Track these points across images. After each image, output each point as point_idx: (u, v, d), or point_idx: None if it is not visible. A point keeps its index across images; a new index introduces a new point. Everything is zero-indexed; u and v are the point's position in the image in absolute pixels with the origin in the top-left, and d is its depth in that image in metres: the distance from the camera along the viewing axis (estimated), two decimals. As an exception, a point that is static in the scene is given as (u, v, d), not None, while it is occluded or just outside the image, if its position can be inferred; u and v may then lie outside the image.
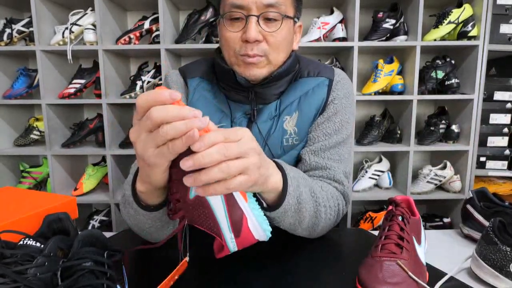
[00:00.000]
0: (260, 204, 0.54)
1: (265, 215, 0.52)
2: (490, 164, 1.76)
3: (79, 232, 0.55)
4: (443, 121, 1.77)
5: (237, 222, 0.48)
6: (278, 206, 0.55)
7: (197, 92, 0.79)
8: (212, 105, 0.78)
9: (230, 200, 0.47)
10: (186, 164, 0.40)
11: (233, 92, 0.76)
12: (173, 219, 0.50)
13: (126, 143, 1.73)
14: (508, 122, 1.74)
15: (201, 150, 0.39)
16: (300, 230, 0.64)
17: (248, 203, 0.49)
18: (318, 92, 0.77)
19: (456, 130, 1.77)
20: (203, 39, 1.73)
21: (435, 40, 1.65)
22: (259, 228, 0.49)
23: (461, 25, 1.65)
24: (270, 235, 0.51)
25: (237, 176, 0.43)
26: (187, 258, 0.54)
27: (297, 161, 0.78)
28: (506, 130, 1.74)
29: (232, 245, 0.49)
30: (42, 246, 0.49)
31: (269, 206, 0.56)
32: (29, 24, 1.69)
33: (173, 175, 0.46)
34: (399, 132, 1.80)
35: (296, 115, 0.77)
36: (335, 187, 0.72)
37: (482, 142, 1.74)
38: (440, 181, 1.75)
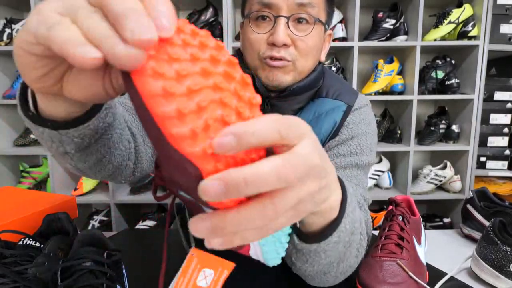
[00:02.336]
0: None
1: (294, 247, 0.39)
2: (490, 164, 1.76)
3: (79, 232, 0.55)
4: (443, 121, 1.77)
5: None
6: (325, 236, 0.38)
7: None
8: None
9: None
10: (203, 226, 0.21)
11: None
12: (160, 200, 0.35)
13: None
14: (508, 122, 1.74)
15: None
16: (332, 275, 0.46)
17: None
18: (331, 116, 0.67)
19: (456, 130, 1.77)
20: (203, 39, 1.73)
21: (435, 40, 1.65)
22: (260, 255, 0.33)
23: (461, 25, 1.65)
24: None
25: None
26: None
27: None
28: (506, 130, 1.74)
29: None
30: (42, 246, 0.49)
31: (307, 236, 0.39)
32: (29, 24, 1.69)
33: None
34: (399, 132, 1.80)
35: None
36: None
37: (482, 142, 1.74)
38: (440, 181, 1.75)
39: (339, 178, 0.37)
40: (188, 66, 0.20)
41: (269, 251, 0.33)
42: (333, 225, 0.37)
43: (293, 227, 0.39)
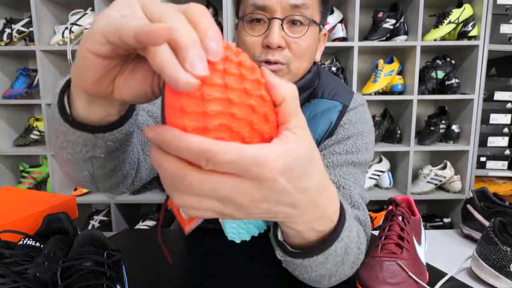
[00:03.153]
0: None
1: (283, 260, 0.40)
2: (490, 164, 1.76)
3: (79, 232, 0.55)
4: (443, 121, 1.77)
5: None
6: (310, 254, 0.37)
7: None
8: None
9: None
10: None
11: None
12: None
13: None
14: (508, 122, 1.74)
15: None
16: (326, 283, 0.46)
17: None
18: (326, 116, 0.67)
19: (456, 130, 1.77)
20: (203, 39, 1.73)
21: (435, 40, 1.65)
22: None
23: (461, 25, 1.65)
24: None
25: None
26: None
27: None
28: (506, 130, 1.74)
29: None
30: (42, 246, 0.49)
31: (292, 248, 0.39)
32: (29, 24, 1.69)
33: None
34: (399, 132, 1.80)
35: None
36: (355, 216, 0.56)
37: (482, 142, 1.74)
38: (440, 181, 1.75)
39: (340, 202, 0.38)
40: (215, 92, 0.23)
41: (225, 225, 0.39)
42: (323, 246, 0.37)
43: (275, 239, 0.40)
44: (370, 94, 1.69)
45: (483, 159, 1.75)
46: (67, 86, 0.35)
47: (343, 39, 1.69)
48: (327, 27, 1.68)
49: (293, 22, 0.59)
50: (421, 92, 1.69)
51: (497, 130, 1.74)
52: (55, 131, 0.39)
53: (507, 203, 0.77)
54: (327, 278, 0.44)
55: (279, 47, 0.59)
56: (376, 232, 0.76)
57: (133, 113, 0.39)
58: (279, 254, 0.40)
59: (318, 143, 0.68)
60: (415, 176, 1.81)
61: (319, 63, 0.71)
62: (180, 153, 0.23)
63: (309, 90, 0.68)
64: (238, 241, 0.42)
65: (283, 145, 0.25)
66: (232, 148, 0.23)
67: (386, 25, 1.67)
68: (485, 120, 1.73)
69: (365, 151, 0.65)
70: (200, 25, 0.23)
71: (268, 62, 0.60)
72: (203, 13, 0.24)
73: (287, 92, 0.26)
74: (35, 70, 1.73)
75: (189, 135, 0.22)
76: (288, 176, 0.25)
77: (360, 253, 0.48)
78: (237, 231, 0.41)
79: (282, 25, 0.58)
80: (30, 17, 1.63)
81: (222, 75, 0.23)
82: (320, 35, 0.67)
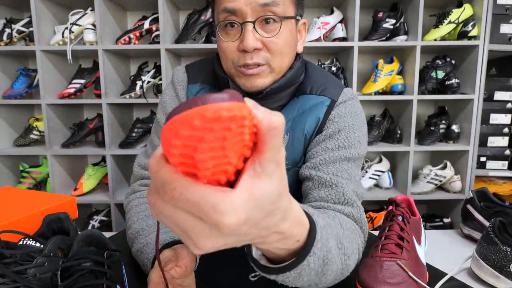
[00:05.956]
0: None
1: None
2: (490, 164, 1.76)
3: (79, 232, 0.55)
4: (443, 121, 1.77)
5: None
6: (282, 270, 0.37)
7: None
8: None
9: None
10: None
11: None
12: None
13: (126, 143, 1.73)
14: (509, 122, 1.74)
15: None
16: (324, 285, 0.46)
17: None
18: (314, 112, 0.67)
19: (456, 130, 1.77)
20: (203, 39, 1.73)
21: (435, 40, 1.65)
22: None
23: (461, 25, 1.65)
24: None
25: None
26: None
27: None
28: (506, 130, 1.74)
29: None
30: (42, 246, 0.49)
31: (269, 262, 0.38)
32: (29, 24, 1.69)
33: None
34: (399, 132, 1.80)
35: (287, 137, 0.68)
36: (348, 214, 0.56)
37: (482, 142, 1.74)
38: (440, 181, 1.75)
39: (309, 217, 0.36)
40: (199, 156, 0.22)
41: None
42: (294, 262, 0.36)
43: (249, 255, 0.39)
44: (370, 94, 1.69)
45: (483, 159, 1.75)
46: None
47: (343, 39, 1.69)
48: (327, 26, 1.68)
49: (266, 21, 0.60)
50: (421, 92, 1.69)
51: (497, 130, 1.74)
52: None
53: (507, 203, 0.77)
54: (314, 285, 0.43)
55: (255, 49, 0.59)
56: (376, 232, 0.76)
57: None
58: (255, 268, 0.39)
59: (308, 139, 0.67)
60: (415, 176, 1.81)
61: (300, 58, 0.69)
62: (153, 181, 0.24)
63: (294, 86, 0.68)
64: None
65: (247, 190, 0.24)
66: (194, 189, 0.22)
67: (386, 25, 1.67)
68: (485, 120, 1.73)
69: (358, 144, 0.65)
70: None
71: (247, 65, 0.61)
72: None
73: (264, 123, 0.23)
74: (35, 70, 1.73)
75: (164, 165, 0.23)
76: (249, 223, 0.25)
77: (347, 259, 0.46)
78: None
79: (254, 27, 0.59)
80: (30, 17, 1.63)
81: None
82: (299, 26, 0.67)
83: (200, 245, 0.25)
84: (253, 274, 0.41)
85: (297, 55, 0.69)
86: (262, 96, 0.64)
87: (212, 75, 0.74)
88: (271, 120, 0.23)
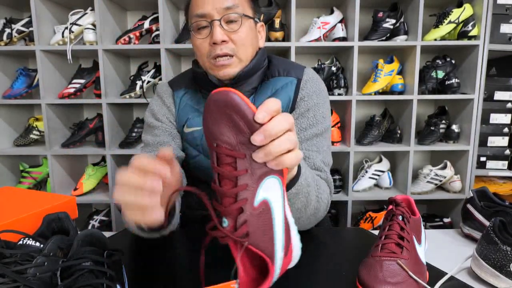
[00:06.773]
0: None
1: None
2: (490, 164, 1.76)
3: (79, 232, 0.55)
4: (443, 121, 1.77)
5: (287, 235, 0.43)
6: (291, 186, 0.56)
7: (183, 102, 0.87)
8: (195, 110, 0.85)
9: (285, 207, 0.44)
10: (258, 154, 0.39)
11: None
12: (225, 242, 0.42)
13: (126, 143, 1.73)
14: (508, 122, 1.74)
15: (265, 120, 0.38)
16: (305, 218, 0.66)
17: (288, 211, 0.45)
18: (285, 91, 0.81)
19: (456, 130, 1.77)
20: (203, 39, 1.73)
21: (435, 40, 1.65)
22: (296, 241, 0.44)
23: (461, 24, 1.65)
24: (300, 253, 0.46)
25: (293, 150, 0.41)
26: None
27: None
28: (506, 130, 1.74)
29: (279, 266, 0.42)
30: (42, 246, 0.49)
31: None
32: (28, 24, 1.69)
33: (240, 180, 0.40)
34: (399, 132, 1.80)
35: None
36: (318, 175, 0.73)
37: (482, 142, 1.74)
38: (440, 181, 1.75)
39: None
40: None
41: (294, 225, 0.45)
42: (292, 181, 0.55)
43: None
44: (370, 94, 1.70)
45: (483, 159, 1.75)
46: None
47: (343, 39, 1.69)
48: (327, 26, 1.68)
49: (230, 21, 0.74)
50: (421, 92, 1.69)
51: (497, 130, 1.74)
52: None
53: (507, 203, 0.77)
54: (304, 210, 0.63)
55: (223, 41, 0.72)
56: (376, 232, 0.76)
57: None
58: None
59: None
60: (415, 176, 1.81)
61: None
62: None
63: (260, 70, 0.82)
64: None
65: None
66: None
67: (386, 25, 1.67)
68: (485, 120, 1.73)
69: (322, 119, 0.80)
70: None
71: (218, 56, 0.73)
72: None
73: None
74: (35, 70, 1.73)
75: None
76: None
77: (319, 200, 0.67)
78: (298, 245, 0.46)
79: (221, 24, 0.72)
80: (30, 17, 1.63)
81: None
82: (258, 27, 0.82)
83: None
84: None
85: (260, 49, 0.84)
86: (234, 82, 0.78)
87: (193, 81, 0.88)
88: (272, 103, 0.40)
